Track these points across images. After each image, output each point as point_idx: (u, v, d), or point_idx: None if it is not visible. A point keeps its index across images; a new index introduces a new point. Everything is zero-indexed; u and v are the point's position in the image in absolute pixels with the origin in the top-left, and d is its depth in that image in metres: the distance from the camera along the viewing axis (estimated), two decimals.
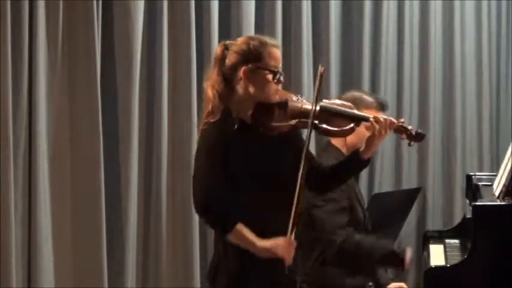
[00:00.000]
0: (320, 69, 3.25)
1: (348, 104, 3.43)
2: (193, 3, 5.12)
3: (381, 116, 3.37)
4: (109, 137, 4.97)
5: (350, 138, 3.85)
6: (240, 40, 3.32)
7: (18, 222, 4.68)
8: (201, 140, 3.26)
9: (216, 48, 5.05)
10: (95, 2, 4.85)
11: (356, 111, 3.38)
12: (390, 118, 3.37)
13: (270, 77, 3.24)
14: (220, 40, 5.13)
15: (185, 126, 5.08)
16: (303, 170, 3.16)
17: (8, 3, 4.60)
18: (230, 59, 3.26)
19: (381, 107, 4.11)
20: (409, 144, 3.47)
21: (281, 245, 3.18)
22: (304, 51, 5.41)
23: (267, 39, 3.31)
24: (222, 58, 3.28)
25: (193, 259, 5.06)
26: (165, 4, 5.07)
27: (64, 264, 4.85)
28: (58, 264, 4.82)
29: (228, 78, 3.26)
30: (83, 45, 4.85)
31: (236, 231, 3.18)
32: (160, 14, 5.06)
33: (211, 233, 5.11)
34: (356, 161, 3.38)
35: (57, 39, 4.79)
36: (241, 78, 3.24)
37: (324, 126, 3.27)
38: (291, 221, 3.15)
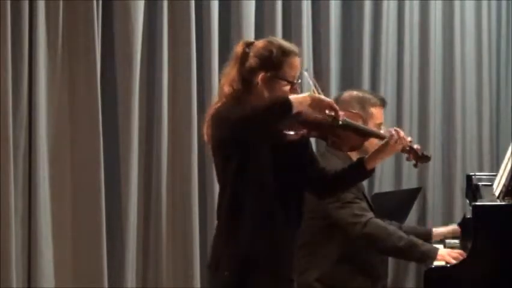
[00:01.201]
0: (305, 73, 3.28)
1: (358, 112, 3.43)
2: (193, 3, 5.11)
3: (397, 134, 3.34)
4: (109, 137, 4.97)
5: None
6: (262, 43, 3.27)
7: (18, 222, 4.68)
8: (221, 119, 3.16)
9: (216, 47, 5.13)
10: (95, 2, 4.85)
11: (372, 129, 3.37)
12: (405, 137, 3.36)
13: (287, 87, 3.23)
14: (220, 40, 5.14)
15: (185, 126, 5.08)
16: None
17: (8, 3, 4.60)
18: (250, 62, 3.23)
19: (384, 102, 4.12)
20: (415, 166, 3.49)
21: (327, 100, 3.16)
22: (305, 51, 5.40)
23: (290, 47, 3.27)
24: (242, 57, 3.25)
25: (193, 259, 5.06)
26: (165, 4, 5.07)
27: (64, 264, 4.85)
28: (58, 264, 4.82)
29: (246, 80, 3.23)
30: (83, 45, 4.85)
31: (292, 101, 3.08)
32: (160, 14, 5.06)
33: (211, 232, 5.12)
34: (360, 170, 3.38)
35: (57, 39, 4.79)
36: (258, 83, 3.23)
37: (334, 139, 3.25)
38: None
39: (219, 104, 3.24)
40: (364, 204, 3.93)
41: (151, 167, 5.10)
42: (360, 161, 3.38)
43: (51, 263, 4.79)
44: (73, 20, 4.84)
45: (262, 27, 5.32)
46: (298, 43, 5.39)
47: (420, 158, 3.45)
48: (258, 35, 5.06)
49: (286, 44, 3.29)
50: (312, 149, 3.47)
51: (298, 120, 3.19)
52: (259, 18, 5.34)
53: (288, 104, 3.05)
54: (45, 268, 4.74)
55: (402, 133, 3.37)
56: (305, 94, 3.15)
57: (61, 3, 4.80)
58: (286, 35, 5.40)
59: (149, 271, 5.10)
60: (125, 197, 4.96)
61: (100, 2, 4.89)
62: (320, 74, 5.52)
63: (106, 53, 4.96)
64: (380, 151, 3.35)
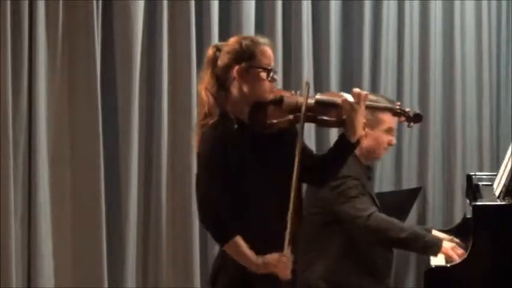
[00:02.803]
0: (305, 83, 3.27)
1: (339, 94, 3.41)
2: (193, 3, 5.12)
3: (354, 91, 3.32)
4: (109, 137, 4.97)
5: (366, 142, 3.85)
6: (231, 40, 3.31)
7: (18, 222, 4.69)
8: (203, 145, 3.24)
9: None
10: (95, 2, 4.85)
11: (331, 98, 3.35)
12: (361, 91, 3.30)
13: (263, 75, 3.24)
14: (220, 40, 5.13)
15: (185, 126, 5.08)
16: (295, 185, 3.16)
17: (8, 3, 4.61)
18: (222, 60, 3.25)
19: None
20: (408, 126, 3.49)
21: (277, 261, 3.17)
22: (305, 51, 5.41)
23: (259, 38, 3.31)
24: (213, 59, 3.27)
25: (193, 259, 5.06)
26: (165, 4, 5.07)
27: (64, 264, 4.85)
28: (58, 264, 4.82)
29: (221, 80, 3.25)
30: (83, 45, 4.85)
31: (234, 242, 3.16)
32: (160, 14, 5.06)
33: None
34: (345, 145, 3.34)
35: (57, 39, 4.80)
36: (234, 78, 3.23)
37: (320, 117, 3.27)
38: (286, 237, 3.15)
39: (202, 118, 3.25)
40: (367, 199, 3.93)
41: (151, 167, 5.10)
42: (342, 136, 3.35)
43: (51, 263, 4.79)
44: (73, 20, 4.84)
45: (262, 27, 5.32)
46: (299, 43, 5.40)
47: (413, 119, 3.46)
48: (258, 34, 5.05)
49: (255, 36, 3.35)
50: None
51: (283, 108, 3.22)
52: (259, 18, 5.34)
53: (226, 237, 3.17)
54: (45, 268, 4.75)
55: (362, 93, 3.30)
56: (253, 257, 3.19)
57: (61, 3, 4.80)
58: (286, 35, 5.40)
59: (149, 271, 5.10)
60: (125, 197, 4.96)
61: (100, 2, 4.90)
62: (320, 74, 5.52)
63: (106, 53, 4.97)
64: (349, 119, 3.28)
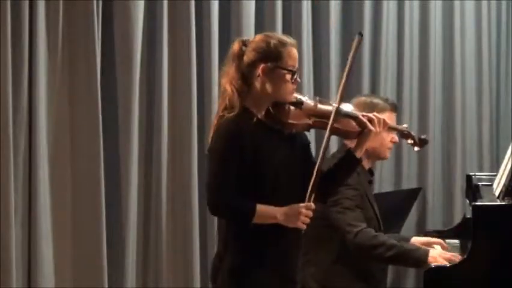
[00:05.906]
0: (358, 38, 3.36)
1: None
2: (193, 3, 5.12)
3: (375, 115, 3.39)
4: (109, 137, 4.97)
5: (369, 144, 3.86)
6: (258, 37, 3.31)
7: (18, 222, 4.69)
8: (217, 134, 3.22)
9: (216, 47, 5.13)
10: (95, 2, 4.85)
11: (357, 113, 3.40)
12: (384, 118, 3.41)
13: (288, 77, 3.26)
14: (220, 40, 5.15)
15: (185, 126, 5.09)
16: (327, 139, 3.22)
17: (8, 3, 4.61)
18: (248, 56, 3.26)
19: (395, 107, 4.10)
20: (414, 149, 3.69)
21: (296, 212, 3.18)
22: (304, 51, 5.41)
23: (286, 38, 3.33)
24: (239, 54, 3.27)
25: (193, 259, 5.06)
26: (165, 4, 5.07)
27: (64, 264, 4.85)
28: (58, 264, 4.82)
29: (245, 75, 3.25)
30: (83, 45, 4.85)
31: (258, 213, 3.16)
32: (160, 14, 5.07)
33: (211, 232, 5.13)
34: (351, 160, 3.38)
35: (57, 39, 4.80)
36: (259, 75, 3.24)
37: (337, 125, 3.29)
38: (310, 185, 3.18)
39: (222, 110, 3.24)
40: (359, 213, 3.91)
41: (151, 167, 5.10)
42: (349, 151, 3.39)
43: (52, 263, 4.79)
44: (73, 20, 4.84)
45: (262, 27, 5.31)
46: (298, 43, 5.37)
47: (420, 143, 3.65)
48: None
49: (282, 36, 3.36)
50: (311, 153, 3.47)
51: (302, 112, 3.25)
52: (259, 18, 5.34)
53: (248, 217, 3.15)
54: (45, 268, 4.75)
55: (381, 117, 3.40)
56: (276, 211, 3.18)
57: (61, 3, 4.80)
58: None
59: (149, 271, 5.10)
60: (125, 197, 4.96)
61: (100, 2, 4.90)
62: (320, 74, 5.52)
63: (106, 53, 4.97)
64: (364, 138, 3.36)
